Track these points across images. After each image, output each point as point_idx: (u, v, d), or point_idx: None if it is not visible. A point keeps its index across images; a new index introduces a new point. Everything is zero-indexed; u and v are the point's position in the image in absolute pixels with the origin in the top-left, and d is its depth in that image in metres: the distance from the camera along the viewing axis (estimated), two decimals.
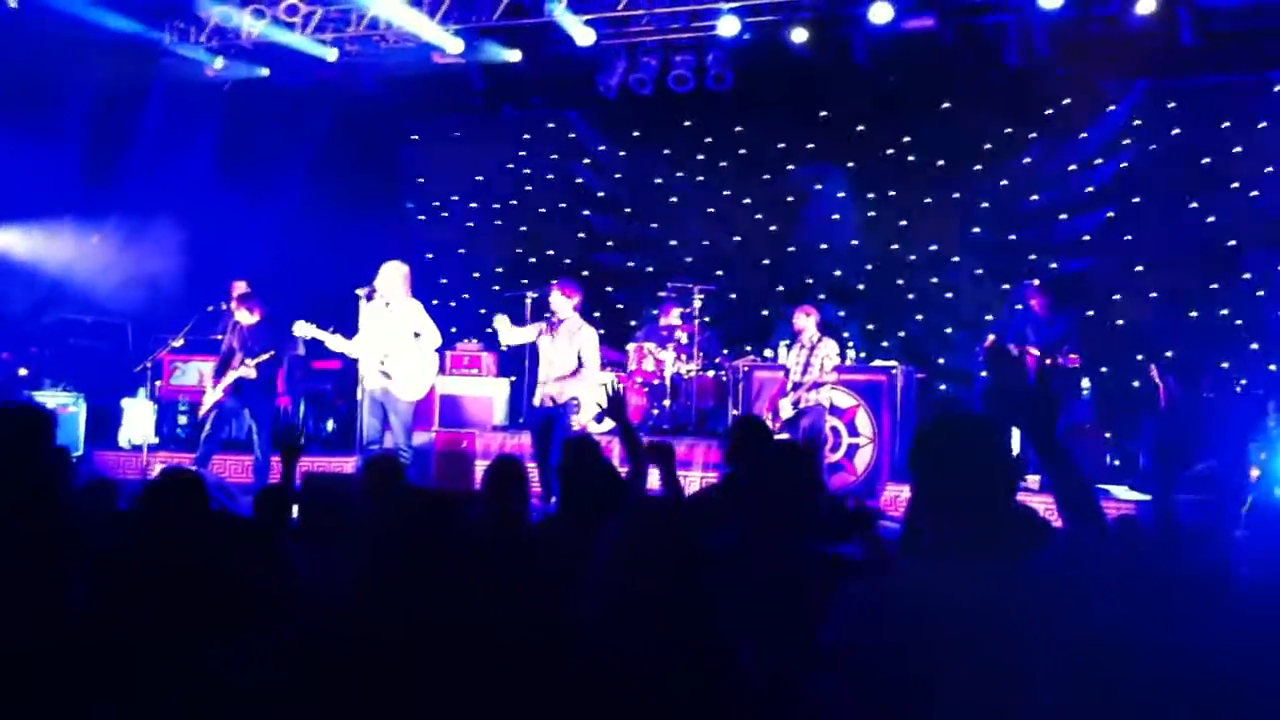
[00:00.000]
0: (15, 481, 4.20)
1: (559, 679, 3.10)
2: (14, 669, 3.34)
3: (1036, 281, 10.77)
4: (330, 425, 13.35)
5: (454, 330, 12.54)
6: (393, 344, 9.47)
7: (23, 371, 12.24)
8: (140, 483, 9.57)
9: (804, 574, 3.83)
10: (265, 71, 13.38)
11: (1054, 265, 12.79)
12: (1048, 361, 10.16)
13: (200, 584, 3.59)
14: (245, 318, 10.29)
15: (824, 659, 2.61)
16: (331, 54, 12.83)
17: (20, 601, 3.73)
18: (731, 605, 2.87)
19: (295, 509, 5.59)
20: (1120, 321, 12.52)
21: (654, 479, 5.41)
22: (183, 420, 12.58)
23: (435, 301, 10.04)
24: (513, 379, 12.63)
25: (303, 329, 9.55)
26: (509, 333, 9.77)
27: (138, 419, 12.12)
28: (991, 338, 10.64)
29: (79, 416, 11.75)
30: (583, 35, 12.11)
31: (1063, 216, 13.14)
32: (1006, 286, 12.88)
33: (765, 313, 14.24)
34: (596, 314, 14.42)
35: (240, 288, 11.55)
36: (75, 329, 13.46)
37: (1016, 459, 3.55)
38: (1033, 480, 8.96)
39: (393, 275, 9.56)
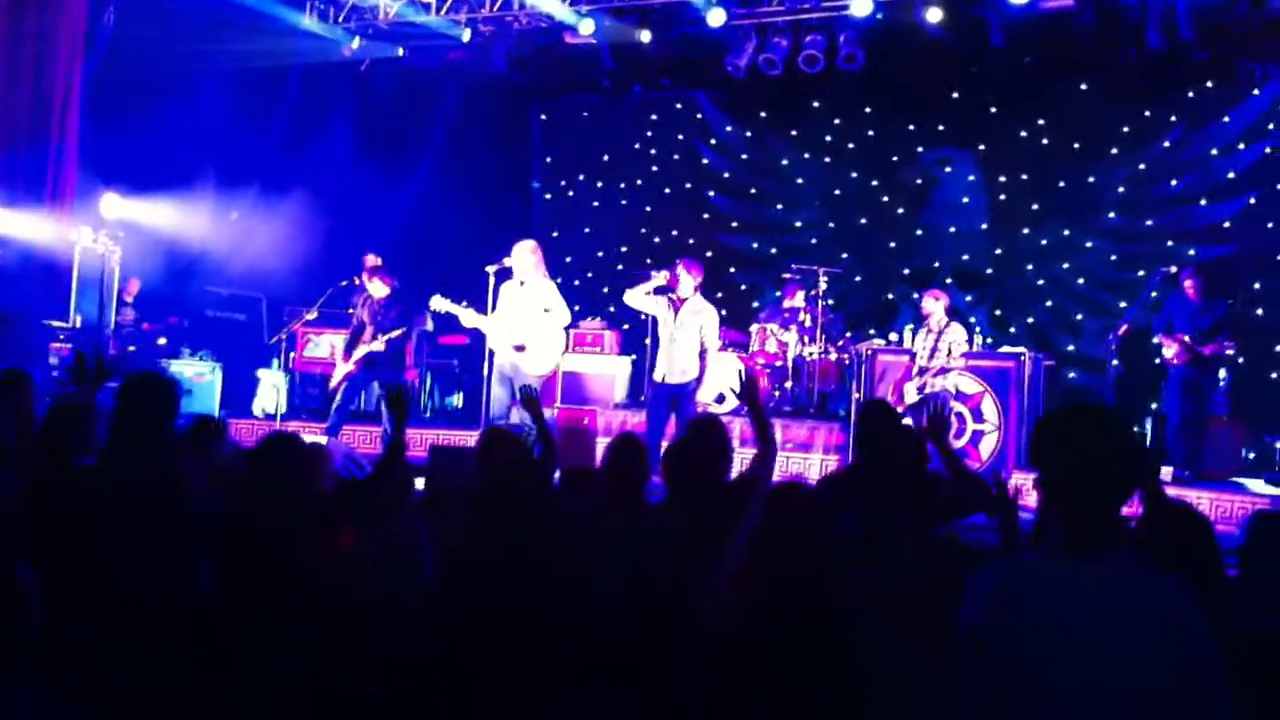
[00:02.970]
0: (145, 448, 4.32)
1: (677, 659, 3.12)
2: (145, 635, 3.46)
3: (1173, 269, 10.52)
4: (458, 400, 13.56)
5: (577, 308, 12.64)
6: (524, 320, 9.58)
7: (162, 341, 12.65)
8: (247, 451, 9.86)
9: (932, 558, 3.80)
10: (400, 51, 13.60)
11: (1192, 252, 12.44)
12: (1202, 350, 9.90)
13: (297, 550, 3.66)
14: (376, 290, 10.51)
15: (956, 642, 2.60)
16: (465, 34, 12.99)
17: (150, 569, 3.84)
18: (862, 588, 2.87)
19: (420, 481, 5.68)
20: (1260, 311, 12.12)
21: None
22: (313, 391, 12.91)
23: (559, 280, 10.11)
24: (634, 357, 12.69)
25: (439, 303, 9.74)
26: (636, 296, 9.68)
27: (270, 389, 12.45)
28: (1125, 326, 10.42)
29: (215, 385, 12.11)
30: (714, 15, 12.09)
31: (1202, 202, 12.77)
32: (1142, 273, 12.58)
33: (890, 296, 14.11)
34: (719, 295, 14.40)
35: (372, 260, 11.79)
36: (212, 301, 13.85)
37: (1153, 449, 3.46)
38: (1165, 472, 8.74)
39: (525, 253, 9.68)
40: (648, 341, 12.26)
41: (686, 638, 3.19)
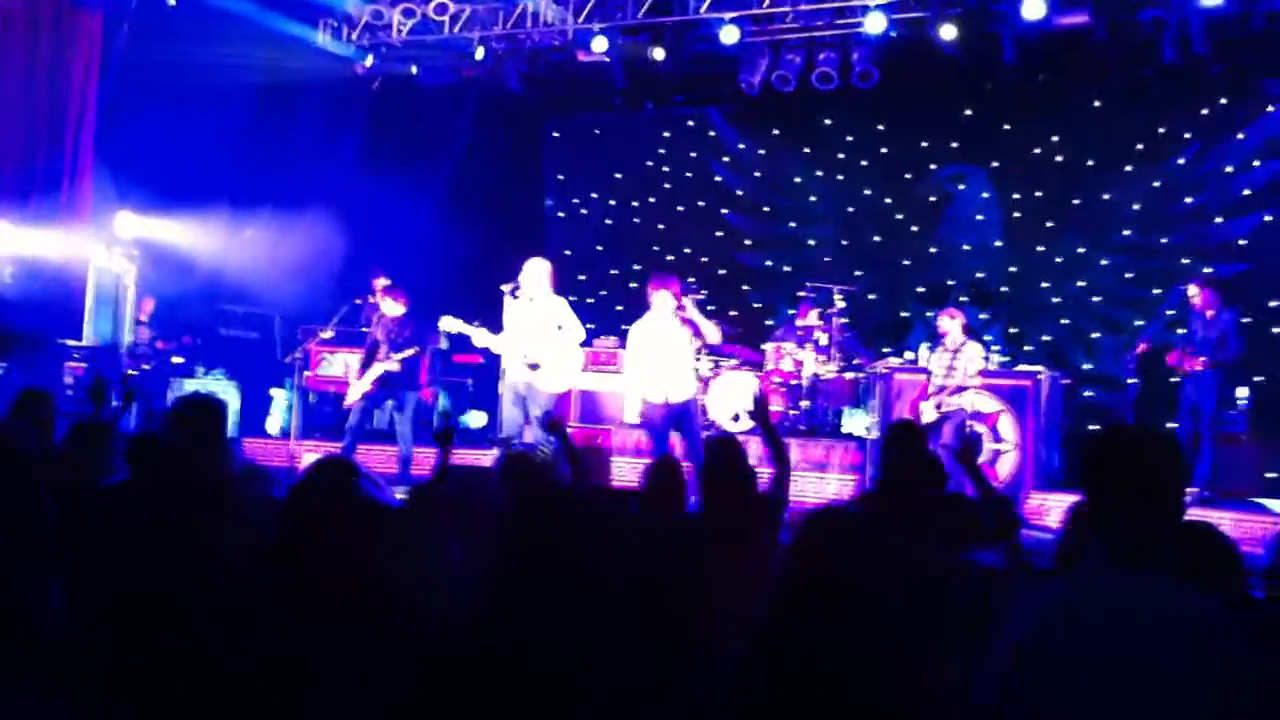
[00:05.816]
0: (190, 467, 4.33)
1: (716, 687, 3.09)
2: (186, 657, 3.44)
3: (1191, 287, 10.46)
4: (472, 418, 13.52)
5: (591, 327, 12.61)
6: (537, 338, 9.54)
7: (177, 359, 12.65)
8: (288, 471, 9.85)
9: (955, 582, 3.77)
10: (413, 69, 13.60)
11: (1208, 270, 12.38)
12: (1183, 364, 9.84)
13: (355, 574, 3.65)
14: (390, 309, 10.50)
15: (997, 667, 2.56)
16: (478, 52, 12.99)
17: (190, 587, 3.83)
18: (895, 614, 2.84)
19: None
20: (1277, 330, 12.06)
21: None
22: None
23: (572, 298, 10.06)
24: None
25: (448, 324, 9.70)
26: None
27: (284, 408, 12.44)
28: (1143, 344, 10.37)
29: (230, 404, 12.10)
30: (727, 33, 12.08)
31: (1218, 220, 12.75)
32: (1158, 291, 12.55)
33: (905, 314, 14.07)
34: (733, 313, 14.44)
35: (382, 282, 11.79)
36: (226, 319, 13.85)
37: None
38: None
39: (536, 271, 9.63)
40: None
41: (712, 661, 3.16)
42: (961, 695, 2.69)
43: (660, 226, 15.55)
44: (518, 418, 9.63)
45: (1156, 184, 13.03)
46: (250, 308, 13.85)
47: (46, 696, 2.48)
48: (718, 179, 15.42)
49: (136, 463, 4.54)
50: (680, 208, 15.53)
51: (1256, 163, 12.59)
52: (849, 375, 12.02)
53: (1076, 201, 13.39)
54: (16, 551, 3.58)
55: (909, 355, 11.78)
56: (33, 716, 2.36)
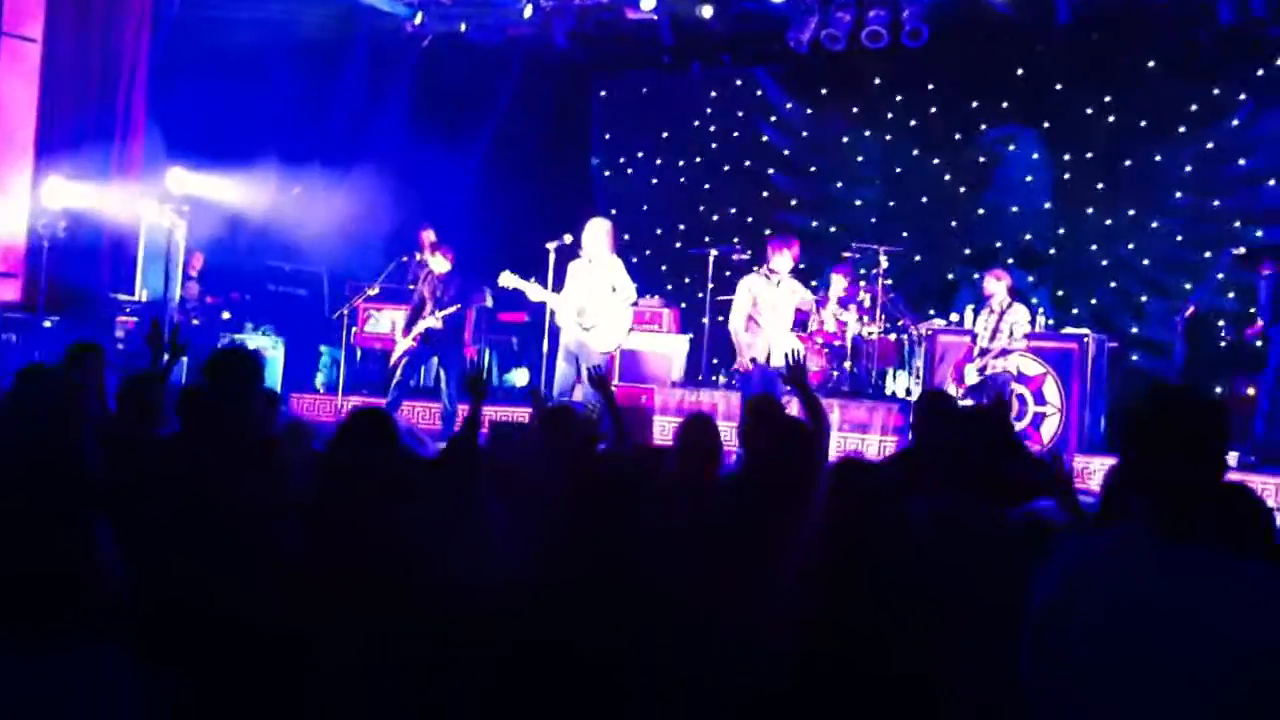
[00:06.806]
0: (227, 422, 4.39)
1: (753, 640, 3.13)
2: (233, 610, 3.51)
3: (1241, 250, 10.34)
4: (516, 376, 13.60)
5: (634, 286, 12.66)
6: (592, 297, 9.62)
7: (225, 315, 12.79)
8: (334, 425, 9.96)
9: (1002, 541, 3.76)
10: (462, 27, 13.61)
11: (1260, 233, 12.23)
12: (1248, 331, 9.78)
13: (390, 526, 3.70)
14: (438, 265, 10.56)
15: (1031, 624, 2.58)
16: (526, 10, 12.98)
17: (234, 543, 3.90)
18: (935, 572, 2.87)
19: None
20: None
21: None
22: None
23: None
24: (691, 336, 12.70)
25: (507, 279, 9.78)
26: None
27: (331, 364, 12.56)
28: (1191, 308, 10.27)
29: (277, 359, 12.23)
30: None
31: (1271, 182, 12.52)
32: (1208, 255, 12.40)
33: (950, 276, 13.98)
34: None
35: (429, 236, 11.86)
36: (275, 276, 13.97)
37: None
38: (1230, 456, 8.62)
39: (597, 231, 9.70)
40: (705, 320, 12.30)
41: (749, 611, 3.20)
42: (996, 651, 2.70)
43: (706, 186, 15.51)
44: (570, 375, 9.72)
45: (1209, 146, 12.80)
46: (298, 264, 13.96)
47: (100, 646, 2.54)
48: (765, 139, 15.34)
49: (184, 415, 4.60)
50: (726, 167, 15.48)
51: None
52: (892, 337, 11.99)
53: (1128, 163, 13.20)
54: (63, 501, 3.66)
55: (954, 317, 11.72)
56: (87, 665, 2.43)
